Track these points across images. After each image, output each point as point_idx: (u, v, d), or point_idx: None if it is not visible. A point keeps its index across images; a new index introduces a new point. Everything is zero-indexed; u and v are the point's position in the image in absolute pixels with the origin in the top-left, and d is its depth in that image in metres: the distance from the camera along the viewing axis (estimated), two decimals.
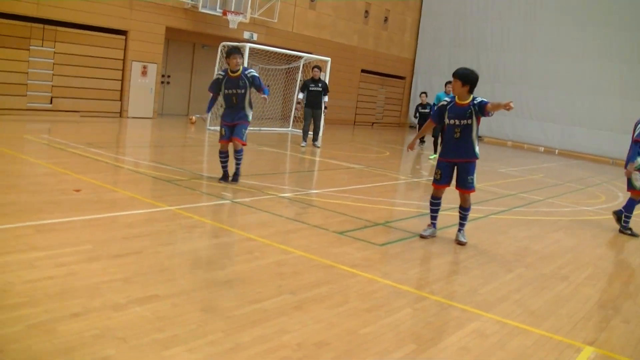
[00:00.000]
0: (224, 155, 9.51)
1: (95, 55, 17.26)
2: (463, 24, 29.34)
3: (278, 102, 23.54)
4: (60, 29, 16.34)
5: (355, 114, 28.31)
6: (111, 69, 17.80)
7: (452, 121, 7.38)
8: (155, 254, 5.66)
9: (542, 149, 26.82)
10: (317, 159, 14.80)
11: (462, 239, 7.60)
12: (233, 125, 9.37)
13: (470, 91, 7.33)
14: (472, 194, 7.60)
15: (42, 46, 16.05)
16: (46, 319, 3.95)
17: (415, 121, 20.22)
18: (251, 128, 17.84)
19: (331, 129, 22.08)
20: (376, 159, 16.13)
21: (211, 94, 9.59)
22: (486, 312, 5.25)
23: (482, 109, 7.19)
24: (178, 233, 6.57)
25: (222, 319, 4.32)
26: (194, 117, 19.06)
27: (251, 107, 9.52)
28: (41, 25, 15.94)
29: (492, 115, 7.31)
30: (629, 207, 9.70)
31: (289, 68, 21.38)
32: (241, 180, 9.63)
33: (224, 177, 9.59)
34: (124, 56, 18.09)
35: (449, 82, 17.17)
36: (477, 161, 7.51)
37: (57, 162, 9.60)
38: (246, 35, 21.08)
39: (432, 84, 29.74)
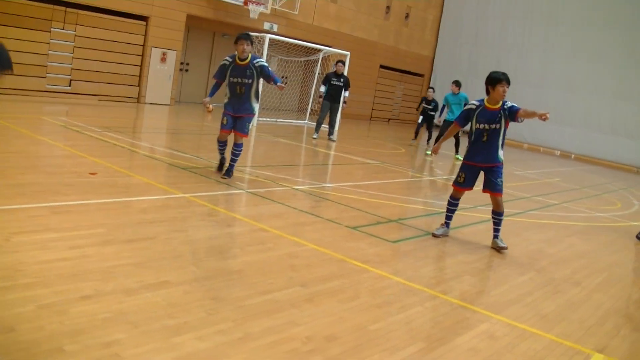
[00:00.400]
0: (222, 145, 9.13)
1: (116, 39, 17.31)
2: (484, 23, 29.17)
3: (295, 94, 23.54)
4: (81, 12, 16.39)
5: (372, 110, 28.25)
6: (131, 54, 17.84)
7: (481, 126, 7.24)
8: (168, 240, 5.67)
9: (558, 152, 26.64)
10: (333, 152, 14.78)
11: (501, 244, 7.44)
12: (237, 116, 8.89)
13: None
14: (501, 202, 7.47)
15: (63, 29, 16.11)
16: (57, 300, 3.97)
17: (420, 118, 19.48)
18: (267, 119, 17.97)
19: (347, 123, 22.05)
20: (392, 155, 16.08)
21: (215, 80, 9.02)
22: (497, 314, 5.23)
23: (512, 115, 7.08)
24: (191, 220, 6.58)
25: (233, 308, 4.32)
26: (210, 106, 19.08)
27: (258, 98, 9.02)
28: (63, 8, 15.99)
29: (522, 121, 7.17)
30: None
31: (307, 60, 21.35)
32: (257, 170, 9.62)
33: (221, 167, 9.24)
34: (144, 42, 18.13)
35: (456, 82, 17.21)
36: (503, 164, 7.44)
37: (74, 145, 9.64)
38: (266, 26, 21.07)
39: (450, 82, 29.61)
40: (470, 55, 29.52)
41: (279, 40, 18.67)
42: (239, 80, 8.73)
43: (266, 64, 8.89)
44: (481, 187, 7.52)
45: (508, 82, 7.10)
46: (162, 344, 3.63)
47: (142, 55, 18.19)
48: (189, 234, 6.11)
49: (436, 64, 31.23)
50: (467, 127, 7.53)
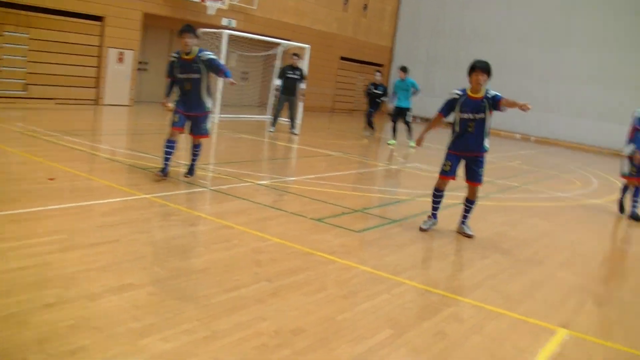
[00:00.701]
0: (171, 144, 8.40)
1: (71, 41, 17.03)
2: (442, 13, 29.33)
3: (256, 89, 23.45)
4: (34, 15, 16.08)
5: (334, 101, 28.27)
6: (87, 55, 17.56)
7: (466, 115, 7.21)
8: (131, 243, 5.62)
9: (518, 136, 26.95)
10: (295, 146, 14.76)
11: (467, 231, 7.51)
12: (190, 115, 8.43)
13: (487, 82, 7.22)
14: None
15: (15, 32, 15.80)
16: (19, 310, 3.91)
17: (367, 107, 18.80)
18: (228, 115, 17.85)
19: (309, 116, 22.03)
20: (354, 146, 16.13)
21: (168, 79, 8.54)
22: (463, 297, 5.29)
23: (496, 104, 7.09)
24: (154, 221, 6.53)
25: (198, 307, 4.31)
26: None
27: (210, 94, 8.52)
28: (15, 11, 15.68)
29: (505, 110, 7.20)
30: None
31: (267, 55, 21.27)
32: (219, 167, 9.57)
33: (164, 171, 8.44)
34: (100, 42, 17.87)
35: (402, 68, 17.21)
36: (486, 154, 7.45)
37: (31, 151, 9.49)
38: (224, 21, 20.92)
39: (410, 72, 29.78)
40: (429, 45, 29.68)
41: (237, 36, 18.57)
42: (186, 76, 8.26)
43: (214, 56, 8.36)
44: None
45: (483, 70, 7.06)
46: (128, 347, 3.60)
47: (99, 56, 17.93)
48: (152, 235, 6.06)
49: (395, 54, 31.33)
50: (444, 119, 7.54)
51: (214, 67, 8.26)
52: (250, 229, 6.51)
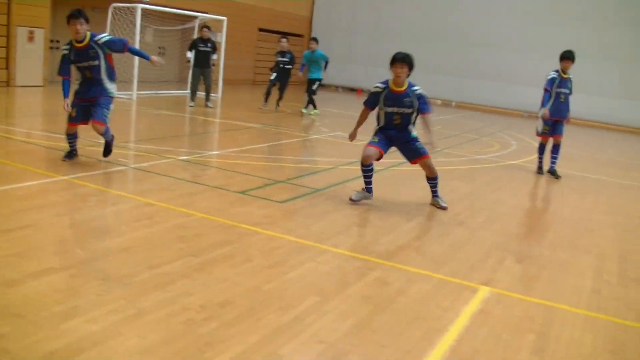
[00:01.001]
0: (72, 137, 8.06)
1: None
2: None
3: (175, 64, 23.03)
4: None
5: (255, 74, 28.05)
6: None
7: (390, 109, 7.15)
8: (50, 226, 5.48)
9: (439, 101, 27.41)
10: (217, 120, 14.63)
11: (441, 204, 7.55)
12: (89, 101, 7.80)
13: (409, 75, 7.12)
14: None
15: None
16: None
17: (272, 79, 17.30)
18: (147, 92, 17.50)
19: (230, 89, 21.80)
20: (276, 117, 16.07)
21: (62, 78, 7.84)
22: (387, 261, 5.40)
23: (421, 109, 7.17)
24: (74, 203, 6.38)
25: (122, 286, 4.26)
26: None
27: (112, 79, 7.94)
28: None
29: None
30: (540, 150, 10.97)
31: (184, 29, 20.87)
32: (139, 145, 9.39)
33: (70, 154, 8.11)
34: (8, 21, 17.12)
35: (313, 39, 16.96)
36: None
37: None
38: None
39: (331, 41, 29.83)
40: (348, 13, 29.71)
41: (152, 10, 18.13)
42: (85, 64, 7.69)
43: (110, 38, 7.89)
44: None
45: (404, 62, 6.96)
46: (51, 332, 3.53)
47: (8, 36, 17.19)
48: (72, 217, 5.93)
49: (315, 24, 31.26)
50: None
51: (113, 48, 7.81)
52: (173, 205, 6.45)
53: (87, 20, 7.65)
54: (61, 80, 7.86)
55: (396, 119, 7.21)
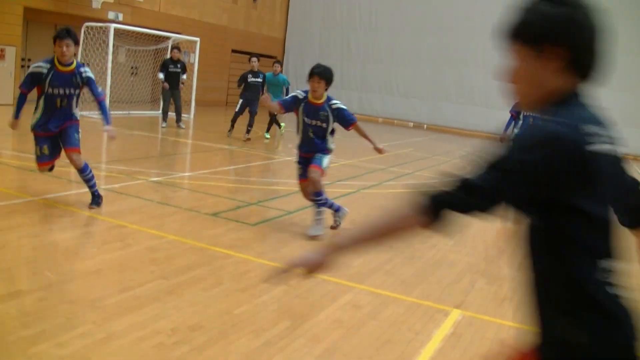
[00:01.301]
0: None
1: None
2: (332, 3, 29.56)
3: (147, 85, 22.95)
4: None
5: (227, 95, 28.05)
6: None
7: (306, 120, 6.96)
8: (18, 248, 5.42)
9: (411, 124, 27.66)
10: (189, 141, 14.61)
11: (312, 233, 6.91)
12: (56, 133, 6.95)
13: (326, 89, 6.95)
14: (317, 179, 6.91)
15: None
16: None
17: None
18: (119, 112, 17.40)
19: (203, 110, 21.77)
20: (249, 140, 16.05)
21: (21, 92, 6.97)
22: (359, 284, 5.41)
23: (344, 123, 6.93)
24: (44, 224, 6.32)
25: (92, 309, 4.22)
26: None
27: (78, 105, 7.10)
28: None
29: (350, 130, 7.05)
30: None
31: (157, 49, 20.85)
32: (111, 165, 9.30)
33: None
34: None
35: (277, 62, 16.23)
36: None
37: None
38: (111, 15, 20.34)
39: (303, 63, 29.97)
40: (321, 36, 29.91)
41: (125, 30, 18.11)
42: (62, 91, 6.79)
43: (93, 77, 6.98)
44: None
45: (320, 77, 6.75)
46: (18, 357, 3.49)
47: None
48: (42, 238, 5.86)
49: (287, 46, 31.41)
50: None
51: (93, 89, 6.95)
52: (144, 227, 6.41)
53: (76, 43, 6.79)
54: (19, 94, 6.98)
55: (310, 131, 6.97)
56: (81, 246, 5.81)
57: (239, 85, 15.51)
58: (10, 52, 17.72)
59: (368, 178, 11.20)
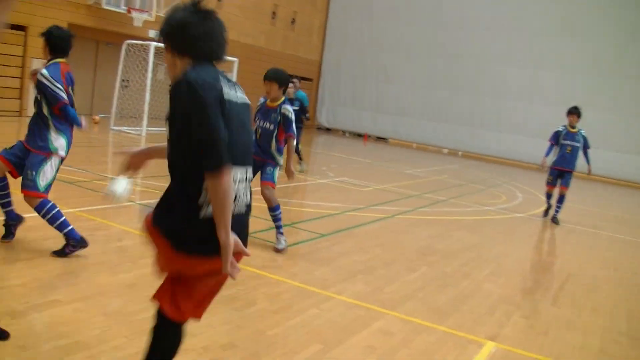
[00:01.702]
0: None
1: None
2: (369, 26, 29.68)
3: None
4: None
5: None
6: (10, 65, 17.07)
7: (257, 121, 7.04)
8: (55, 259, 5.47)
9: (446, 150, 27.54)
10: None
11: (279, 246, 6.87)
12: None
13: (284, 92, 7.05)
14: (270, 196, 7.00)
15: None
16: None
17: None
18: (157, 129, 17.62)
19: None
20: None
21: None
22: (391, 311, 5.37)
23: (284, 127, 6.92)
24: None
25: (126, 323, 4.24)
26: (97, 117, 18.56)
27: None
28: None
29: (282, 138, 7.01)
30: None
31: None
32: (146, 181, 9.37)
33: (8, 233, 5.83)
34: (24, 53, 17.40)
35: (294, 80, 13.45)
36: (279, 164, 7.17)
37: None
38: (151, 33, 20.65)
39: (339, 86, 30.16)
40: (357, 58, 30.01)
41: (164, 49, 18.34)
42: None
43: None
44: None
45: (271, 80, 6.87)
46: None
47: (23, 67, 17.44)
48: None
49: (324, 68, 31.59)
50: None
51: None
52: None
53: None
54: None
55: (258, 132, 7.03)
56: (116, 260, 5.84)
57: None
58: None
59: (402, 204, 11.15)
